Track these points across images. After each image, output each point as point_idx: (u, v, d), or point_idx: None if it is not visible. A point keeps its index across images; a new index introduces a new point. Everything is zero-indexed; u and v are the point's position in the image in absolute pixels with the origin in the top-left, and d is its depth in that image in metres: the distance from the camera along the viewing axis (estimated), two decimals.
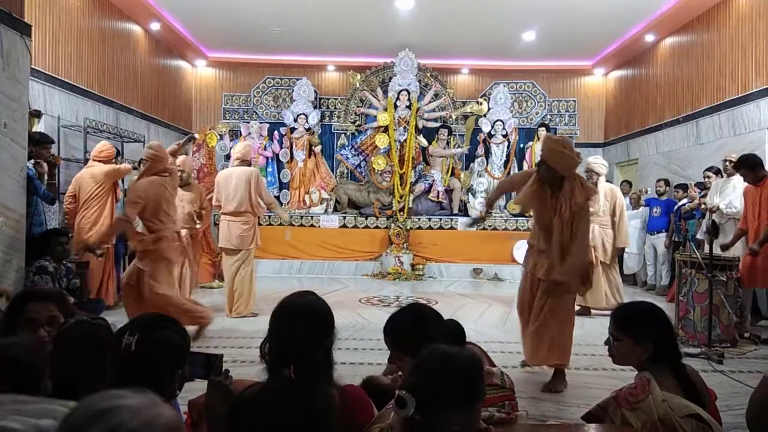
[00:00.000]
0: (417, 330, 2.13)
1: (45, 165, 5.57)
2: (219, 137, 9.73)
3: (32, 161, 5.25)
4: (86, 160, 7.00)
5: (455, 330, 2.40)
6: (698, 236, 6.91)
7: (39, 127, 6.46)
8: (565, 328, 3.95)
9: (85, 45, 7.54)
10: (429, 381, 1.49)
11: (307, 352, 1.87)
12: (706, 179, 6.95)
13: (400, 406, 1.46)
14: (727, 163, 6.19)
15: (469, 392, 1.52)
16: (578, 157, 3.81)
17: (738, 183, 5.94)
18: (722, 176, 6.39)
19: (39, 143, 5.45)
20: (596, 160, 6.67)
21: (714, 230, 5.32)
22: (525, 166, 10.38)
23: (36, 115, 6.27)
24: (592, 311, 6.45)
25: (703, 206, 6.80)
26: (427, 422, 1.46)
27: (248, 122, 10.59)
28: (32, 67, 5.39)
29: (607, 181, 6.84)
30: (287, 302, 1.99)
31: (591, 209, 6.04)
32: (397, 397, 1.47)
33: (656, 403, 1.90)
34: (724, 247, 5.60)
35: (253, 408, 1.72)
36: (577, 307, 6.35)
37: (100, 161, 6.32)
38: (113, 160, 6.46)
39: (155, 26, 9.29)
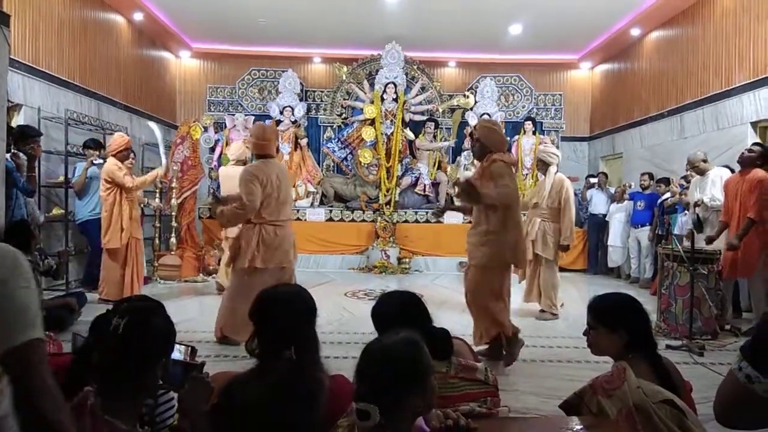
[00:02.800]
0: (403, 318, 2.16)
1: (22, 156, 5.48)
2: (203, 129, 9.63)
3: (10, 153, 5.17)
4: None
5: (440, 333, 2.26)
6: (676, 232, 6.97)
7: (19, 118, 6.36)
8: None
9: (66, 35, 7.42)
10: (379, 383, 1.50)
11: (300, 336, 1.91)
12: (689, 173, 7.01)
13: (364, 419, 1.45)
14: (693, 170, 6.30)
15: (418, 374, 1.53)
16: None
17: (715, 177, 6.00)
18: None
19: (29, 137, 5.37)
20: (546, 149, 6.35)
21: (699, 225, 5.38)
22: None
23: (13, 107, 6.17)
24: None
25: (683, 200, 6.87)
26: (394, 419, 1.47)
27: (233, 114, 10.50)
28: (11, 57, 5.29)
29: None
30: (268, 296, 2.00)
31: (534, 200, 6.07)
32: (357, 411, 1.46)
33: (631, 390, 1.94)
34: (709, 240, 5.65)
35: (246, 390, 1.73)
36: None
37: (113, 155, 6.19)
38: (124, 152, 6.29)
39: (138, 16, 9.16)
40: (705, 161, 6.17)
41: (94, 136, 7.78)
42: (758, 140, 6.68)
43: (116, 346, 1.63)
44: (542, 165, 6.25)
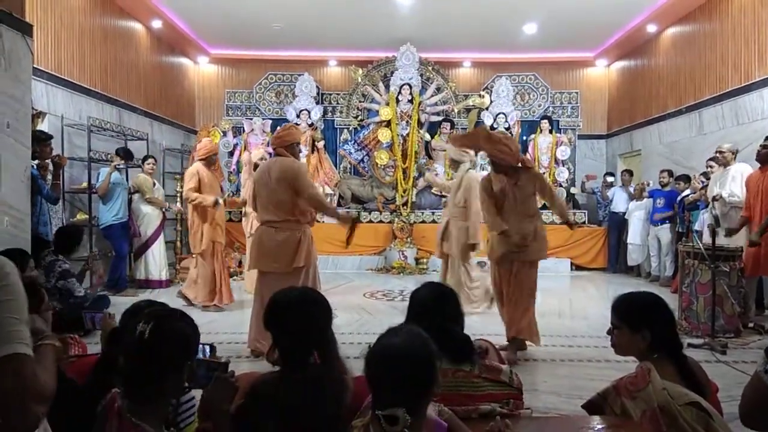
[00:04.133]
0: (438, 308, 2.23)
1: (50, 165, 5.63)
2: (222, 134, 9.75)
3: (36, 161, 5.30)
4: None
5: (461, 337, 2.22)
6: (697, 228, 6.90)
7: (43, 126, 6.50)
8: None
9: (87, 44, 7.56)
10: (399, 386, 1.51)
11: (319, 338, 1.90)
12: (709, 169, 6.94)
13: (393, 424, 1.45)
14: (719, 154, 6.23)
15: (432, 367, 1.56)
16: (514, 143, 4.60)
17: (736, 173, 5.94)
18: (721, 167, 6.37)
19: (40, 141, 5.51)
20: (453, 148, 6.20)
21: (715, 221, 5.32)
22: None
23: (38, 115, 6.32)
24: None
25: (704, 197, 6.80)
26: (417, 416, 1.50)
27: (251, 119, 10.61)
28: (35, 66, 5.42)
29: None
30: (278, 302, 1.98)
31: (444, 199, 6.12)
32: (384, 417, 1.46)
33: (656, 392, 1.91)
34: (730, 232, 5.59)
35: (272, 393, 1.76)
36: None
37: (200, 160, 6.36)
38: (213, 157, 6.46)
39: (157, 24, 9.30)
40: (732, 153, 6.10)
41: (117, 143, 7.93)
42: None
43: (142, 352, 1.68)
44: (454, 163, 6.21)
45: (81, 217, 6.99)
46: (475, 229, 5.84)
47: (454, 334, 2.16)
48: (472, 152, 6.26)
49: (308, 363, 1.86)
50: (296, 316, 1.91)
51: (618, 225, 9.39)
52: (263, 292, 4.24)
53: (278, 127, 4.91)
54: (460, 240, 5.92)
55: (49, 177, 5.64)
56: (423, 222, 9.83)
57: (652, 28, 9.46)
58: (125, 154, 7.24)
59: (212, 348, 1.98)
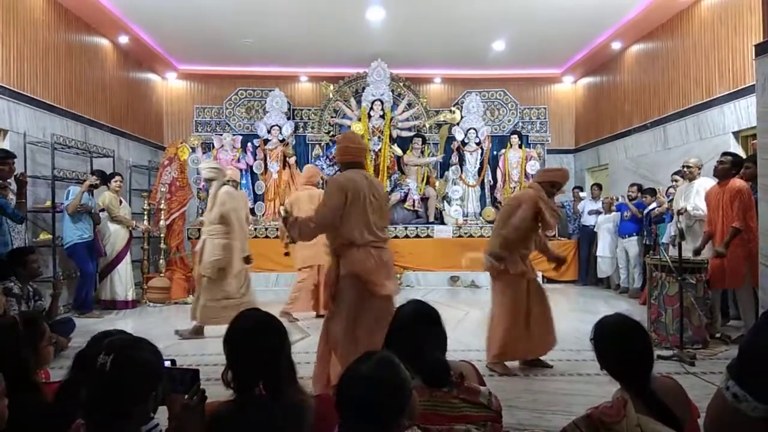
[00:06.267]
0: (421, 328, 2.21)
1: (12, 183, 5.47)
2: (191, 150, 9.63)
3: None
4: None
5: (439, 364, 2.14)
6: (664, 240, 7.04)
7: (4, 144, 6.32)
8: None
9: (51, 59, 7.40)
10: (365, 413, 1.49)
11: (272, 367, 1.86)
12: (674, 183, 7.10)
13: None
14: (686, 169, 6.33)
15: (401, 395, 1.54)
16: None
17: (700, 187, 6.06)
18: (686, 181, 6.50)
19: (0, 159, 5.35)
20: (206, 164, 6.00)
21: (680, 234, 5.41)
22: (498, 173, 10.53)
23: None
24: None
25: (670, 210, 6.94)
26: None
27: (221, 134, 10.50)
28: None
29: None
30: (234, 332, 1.94)
31: (201, 218, 6.19)
32: None
33: (630, 428, 1.88)
34: (696, 252, 5.70)
35: (233, 421, 1.71)
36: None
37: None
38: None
39: (123, 39, 9.17)
40: (698, 167, 6.22)
41: (81, 160, 7.76)
42: (740, 149, 6.80)
43: (104, 384, 1.62)
44: (207, 182, 5.91)
45: (44, 236, 6.79)
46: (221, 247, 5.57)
47: (430, 357, 2.12)
48: (229, 170, 6.27)
49: (256, 394, 1.82)
50: (251, 348, 1.87)
51: (588, 238, 9.52)
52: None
53: (343, 136, 4.16)
54: (212, 256, 5.55)
55: (11, 196, 5.48)
56: (396, 237, 9.81)
57: (616, 45, 9.70)
58: (101, 175, 7.17)
59: (173, 362, 1.96)
